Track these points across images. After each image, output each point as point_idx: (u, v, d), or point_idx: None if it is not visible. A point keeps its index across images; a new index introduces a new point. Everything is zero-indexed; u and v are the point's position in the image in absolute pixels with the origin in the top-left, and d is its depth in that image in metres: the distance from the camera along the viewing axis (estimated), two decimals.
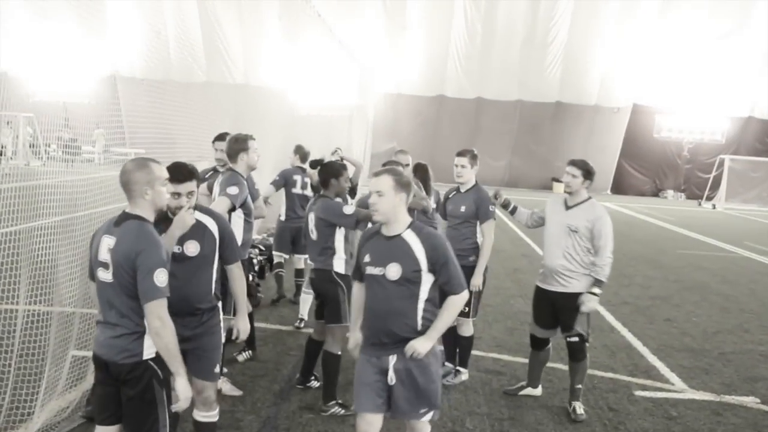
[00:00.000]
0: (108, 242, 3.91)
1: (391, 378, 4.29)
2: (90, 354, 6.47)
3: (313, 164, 6.74)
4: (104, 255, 3.90)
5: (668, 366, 8.20)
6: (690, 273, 14.83)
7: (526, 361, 7.97)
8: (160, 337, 3.82)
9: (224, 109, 14.98)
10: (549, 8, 35.94)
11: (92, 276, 4.08)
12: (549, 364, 7.89)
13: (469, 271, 6.78)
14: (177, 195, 4.49)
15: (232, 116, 14.53)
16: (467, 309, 6.96)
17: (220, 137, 7.51)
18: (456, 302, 4.36)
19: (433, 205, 7.50)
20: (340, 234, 6.35)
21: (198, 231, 4.60)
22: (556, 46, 36.77)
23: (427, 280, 4.31)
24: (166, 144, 9.76)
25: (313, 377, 6.71)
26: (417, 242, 4.27)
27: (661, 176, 40.13)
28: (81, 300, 6.21)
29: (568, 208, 6.42)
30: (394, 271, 4.25)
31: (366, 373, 4.36)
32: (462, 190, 7.15)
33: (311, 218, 6.42)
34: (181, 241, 4.52)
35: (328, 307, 6.34)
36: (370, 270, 4.35)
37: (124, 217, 3.98)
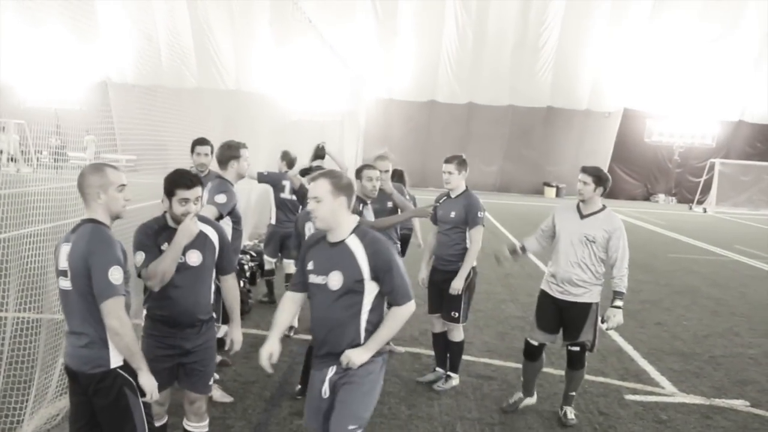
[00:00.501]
0: (65, 249, 3.85)
1: (325, 391, 4.07)
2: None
3: (303, 173, 6.73)
4: (63, 263, 3.85)
5: (659, 370, 8.22)
6: (681, 277, 14.87)
7: (518, 366, 7.99)
8: (119, 336, 3.75)
9: (215, 115, 14.98)
10: (539, 13, 36.03)
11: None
12: None
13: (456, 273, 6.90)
14: (185, 201, 4.44)
15: (223, 122, 14.52)
16: (457, 315, 7.00)
17: (202, 141, 7.58)
18: (400, 314, 4.02)
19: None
20: None
21: (199, 240, 4.55)
22: (546, 51, 36.87)
23: (370, 290, 3.99)
24: (157, 150, 9.76)
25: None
26: (360, 248, 3.96)
27: (652, 180, 40.26)
28: None
29: (583, 216, 6.29)
30: (335, 280, 3.97)
31: (312, 387, 4.20)
32: (452, 196, 7.12)
33: (309, 227, 6.31)
34: (184, 250, 4.47)
35: None
36: (313, 279, 4.08)
37: (81, 222, 3.94)
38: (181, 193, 4.40)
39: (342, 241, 4.00)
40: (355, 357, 3.96)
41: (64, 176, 7.46)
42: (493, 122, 38.44)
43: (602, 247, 6.18)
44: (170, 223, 4.54)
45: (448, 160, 7.16)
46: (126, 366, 3.86)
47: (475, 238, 6.95)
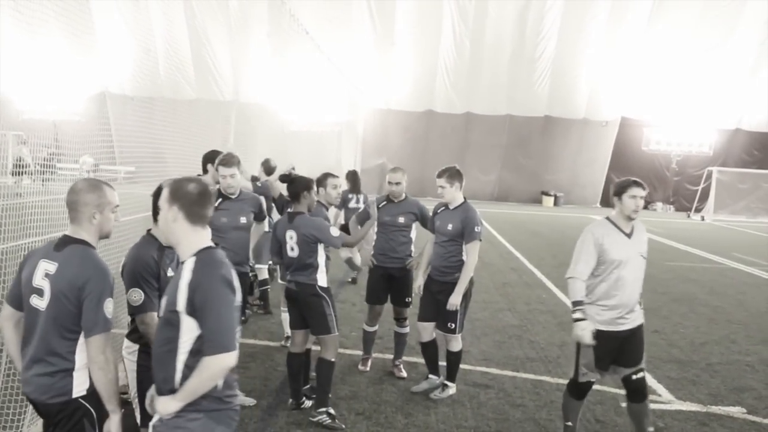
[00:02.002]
0: (46, 267, 3.63)
1: None
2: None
3: (283, 179, 6.77)
4: (40, 281, 3.62)
5: (655, 377, 8.21)
6: (678, 284, 14.88)
7: (515, 374, 8.04)
8: (104, 372, 3.57)
9: (214, 126, 15.05)
10: (536, 23, 36.12)
11: (11, 300, 3.80)
12: (536, 377, 7.98)
13: (453, 287, 6.89)
14: None
15: (221, 133, 14.59)
16: (453, 326, 7.00)
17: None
18: (206, 366, 3.18)
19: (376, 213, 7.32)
20: (322, 250, 6.45)
21: None
22: (544, 61, 36.94)
23: (189, 327, 3.24)
24: (156, 161, 9.81)
25: (304, 396, 6.72)
26: (188, 275, 3.26)
27: (650, 189, 40.19)
28: None
29: (629, 235, 5.68)
30: (162, 307, 3.43)
31: None
32: (451, 207, 7.10)
33: (291, 235, 6.42)
34: None
35: (315, 320, 6.44)
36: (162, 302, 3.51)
37: (67, 241, 3.71)
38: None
39: (182, 263, 3.37)
40: (160, 405, 3.32)
41: (53, 188, 7.51)
42: (490, 131, 38.47)
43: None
44: (163, 240, 4.35)
45: (439, 174, 7.13)
46: (88, 396, 3.68)
47: (471, 253, 6.93)
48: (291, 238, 6.42)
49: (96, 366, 3.57)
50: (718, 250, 21.09)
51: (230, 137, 14.97)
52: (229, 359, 3.19)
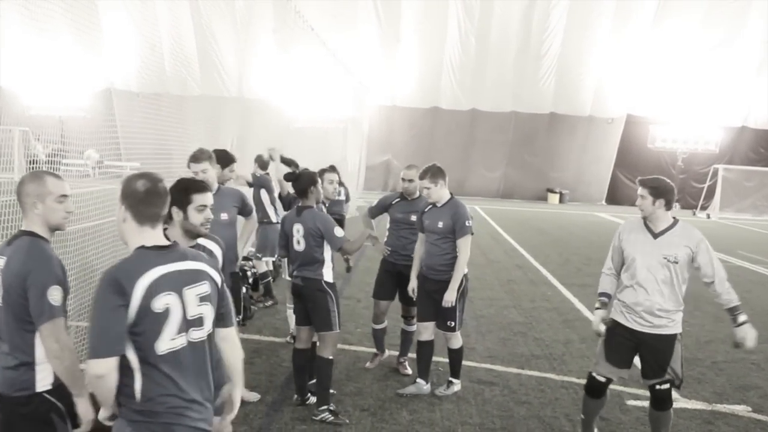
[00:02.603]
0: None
1: None
2: (83, 367, 6.51)
3: (288, 177, 6.76)
4: None
5: None
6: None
7: (519, 371, 8.04)
8: (59, 360, 3.51)
9: (219, 122, 15.05)
10: (542, 20, 36.09)
11: None
12: (540, 374, 7.97)
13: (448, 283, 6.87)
14: (203, 207, 4.13)
15: (227, 129, 14.59)
16: (453, 324, 6.97)
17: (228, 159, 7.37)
18: (87, 371, 3.11)
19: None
20: (327, 245, 6.45)
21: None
22: (549, 58, 36.92)
23: None
24: (162, 157, 9.82)
25: (309, 392, 6.72)
26: None
27: None
28: (76, 313, 6.25)
29: (656, 235, 5.53)
30: None
31: None
32: (438, 205, 7.05)
33: (298, 229, 6.45)
34: None
35: (318, 315, 6.45)
36: None
37: (17, 234, 3.70)
38: (199, 199, 4.08)
39: None
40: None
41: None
42: (496, 128, 38.46)
43: (686, 268, 5.50)
44: (176, 240, 4.11)
45: (421, 176, 7.08)
46: (55, 391, 3.63)
47: (463, 248, 6.91)
48: (298, 231, 6.45)
49: (51, 354, 3.52)
50: (724, 248, 21.01)
51: (234, 133, 15.00)
52: (94, 366, 2.95)
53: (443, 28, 36.15)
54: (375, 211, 7.99)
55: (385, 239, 7.94)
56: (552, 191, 38.88)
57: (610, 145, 38.99)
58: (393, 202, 7.85)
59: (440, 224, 6.93)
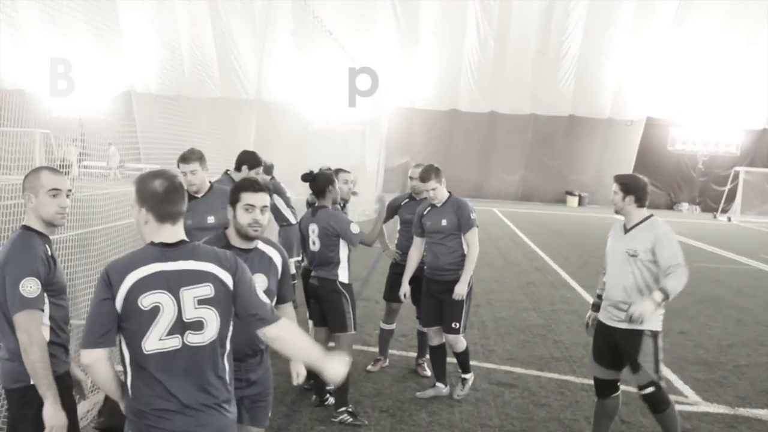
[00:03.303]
0: None
1: None
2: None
3: (305, 178, 6.77)
4: None
5: (682, 378, 8.15)
6: (704, 286, 14.73)
7: (539, 374, 8.01)
8: (26, 354, 3.45)
9: (237, 124, 15.12)
10: (561, 22, 35.99)
11: None
12: (560, 376, 7.93)
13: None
14: (251, 207, 3.98)
15: (245, 131, 14.66)
16: (458, 325, 6.85)
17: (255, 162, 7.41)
18: None
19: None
20: (344, 244, 6.44)
21: (264, 263, 4.12)
22: (568, 60, 36.80)
23: None
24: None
25: (328, 393, 6.73)
26: None
27: (675, 189, 39.96)
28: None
29: (626, 231, 5.64)
30: None
31: None
32: (438, 205, 6.96)
33: (314, 229, 6.46)
34: None
35: (333, 316, 6.46)
36: None
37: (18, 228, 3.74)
38: (246, 198, 3.96)
39: None
40: None
41: (92, 185, 7.58)
42: (514, 131, 38.38)
43: (648, 263, 5.46)
44: (233, 240, 4.08)
45: (425, 178, 6.94)
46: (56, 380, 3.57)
47: (472, 242, 6.86)
48: (313, 231, 6.47)
49: (21, 346, 3.48)
50: (746, 252, 20.87)
51: (253, 135, 15.05)
52: (82, 355, 2.98)
53: (462, 30, 36.13)
54: (385, 214, 7.96)
55: (396, 241, 7.93)
56: (571, 194, 38.72)
57: (630, 148, 38.77)
58: (402, 203, 7.84)
59: (444, 222, 6.86)
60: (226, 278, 3.15)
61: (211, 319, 3.11)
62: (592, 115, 38.21)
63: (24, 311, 3.47)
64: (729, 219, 33.97)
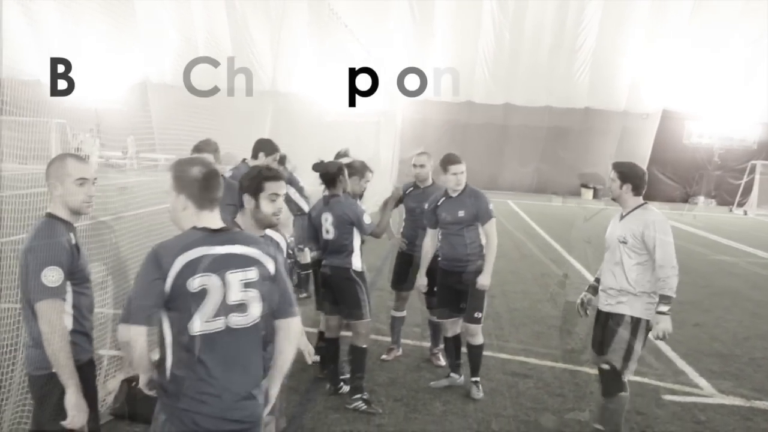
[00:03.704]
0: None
1: None
2: (121, 354, 6.57)
3: (315, 167, 6.77)
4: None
5: (697, 370, 8.11)
6: (720, 278, 14.66)
7: (553, 365, 8.01)
8: (48, 343, 3.45)
9: (253, 115, 15.12)
10: (577, 14, 35.76)
11: None
12: (575, 367, 7.90)
13: (476, 275, 6.72)
14: (276, 196, 3.96)
15: (261, 122, 14.65)
16: (480, 315, 6.77)
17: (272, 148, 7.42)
18: None
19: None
20: (357, 233, 6.44)
21: (273, 248, 3.83)
22: (584, 52, 36.57)
23: None
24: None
25: (342, 381, 6.73)
26: None
27: (691, 183, 39.68)
28: (113, 302, 6.31)
29: (621, 218, 5.80)
30: None
31: None
32: (453, 195, 6.88)
33: (327, 218, 6.45)
34: None
35: (347, 305, 6.45)
36: None
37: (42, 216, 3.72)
38: (272, 187, 3.91)
39: None
40: None
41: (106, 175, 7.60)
42: (529, 123, 38.21)
43: (638, 249, 5.58)
44: (247, 229, 3.87)
45: (457, 161, 6.85)
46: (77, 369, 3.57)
47: (491, 232, 6.79)
48: (326, 220, 6.45)
49: (42, 335, 3.48)
50: (762, 245, 20.72)
51: (268, 126, 15.04)
52: (121, 331, 3.01)
53: (477, 23, 35.97)
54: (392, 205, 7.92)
55: (401, 230, 7.90)
56: (586, 186, 38.52)
57: (645, 141, 38.51)
58: (407, 192, 7.78)
59: (461, 213, 6.77)
60: (269, 263, 3.24)
61: (255, 301, 3.18)
62: (607, 108, 37.99)
63: (45, 300, 3.46)
64: (745, 212, 33.75)
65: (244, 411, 3.16)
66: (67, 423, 3.52)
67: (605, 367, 5.72)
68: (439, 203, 6.95)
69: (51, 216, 3.66)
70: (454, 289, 6.88)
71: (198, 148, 6.64)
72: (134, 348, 2.99)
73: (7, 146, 6.83)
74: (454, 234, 6.84)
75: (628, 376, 5.69)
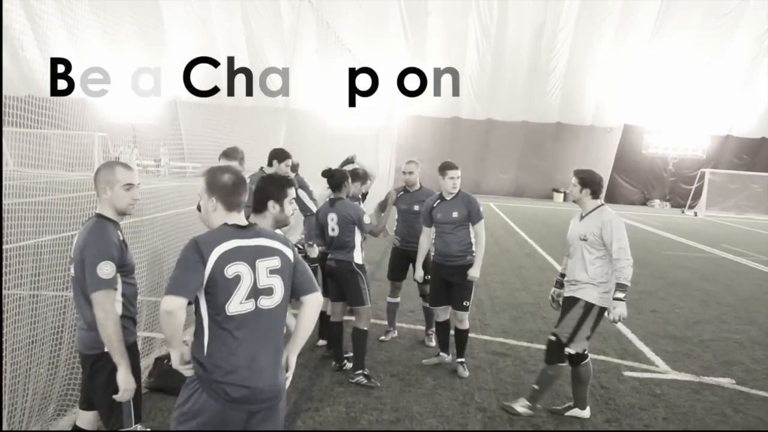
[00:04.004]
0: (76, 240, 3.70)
1: None
2: (153, 335, 6.57)
3: (324, 174, 6.80)
4: (72, 252, 3.68)
5: (653, 350, 8.13)
6: (674, 271, 14.67)
7: (529, 345, 8.02)
8: (103, 327, 3.49)
9: (270, 129, 15.13)
10: (550, 41, 35.77)
11: None
12: None
13: (466, 268, 6.72)
14: (293, 200, 3.90)
15: (276, 135, 14.66)
16: (467, 303, 6.78)
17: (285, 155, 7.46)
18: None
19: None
20: (358, 231, 6.49)
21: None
22: (556, 75, 36.61)
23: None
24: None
25: (345, 359, 6.74)
26: None
27: (648, 187, 39.74)
28: (147, 289, 6.33)
29: (581, 218, 5.80)
30: None
31: None
32: (447, 198, 6.85)
33: (332, 217, 6.48)
34: None
35: (351, 293, 6.48)
36: None
37: (92, 216, 3.74)
38: (291, 193, 3.86)
39: None
40: None
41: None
42: (508, 136, 38.26)
43: (597, 245, 5.58)
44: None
45: (454, 167, 6.85)
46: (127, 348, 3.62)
47: (481, 231, 6.79)
48: (332, 219, 6.48)
49: (98, 321, 3.51)
50: (710, 242, 20.74)
51: (284, 139, 15.03)
52: (166, 301, 3.01)
53: (463, 48, 35.95)
54: (383, 204, 7.93)
55: (395, 229, 7.91)
56: (557, 191, 38.54)
57: (609, 151, 38.56)
58: (398, 196, 7.77)
59: (455, 214, 6.75)
60: (289, 254, 3.33)
61: (279, 286, 3.25)
62: (576, 123, 38.02)
63: (100, 291, 3.50)
64: (695, 214, 33.79)
65: (269, 381, 3.20)
66: (118, 396, 3.58)
67: (552, 338, 5.77)
68: (434, 205, 6.91)
69: (101, 216, 3.69)
70: (445, 281, 6.86)
71: (226, 154, 6.70)
72: (176, 318, 3.01)
73: (57, 155, 6.84)
74: (447, 233, 6.82)
75: (574, 350, 5.66)
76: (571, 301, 5.72)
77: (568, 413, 5.93)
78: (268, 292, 3.22)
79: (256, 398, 3.16)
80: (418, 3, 35.32)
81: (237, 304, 3.13)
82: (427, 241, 7.11)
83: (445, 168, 6.86)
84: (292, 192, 3.90)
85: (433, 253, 7.12)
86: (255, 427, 3.19)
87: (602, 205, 5.80)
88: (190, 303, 3.09)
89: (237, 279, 3.13)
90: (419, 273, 7.17)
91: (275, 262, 3.25)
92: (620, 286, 5.48)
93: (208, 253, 3.10)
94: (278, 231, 4.11)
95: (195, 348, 3.15)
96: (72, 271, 3.67)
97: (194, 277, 3.06)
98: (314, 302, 3.39)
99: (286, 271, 3.29)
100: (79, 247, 3.58)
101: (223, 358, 3.11)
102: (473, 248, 6.83)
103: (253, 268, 3.18)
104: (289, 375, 3.37)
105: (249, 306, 3.16)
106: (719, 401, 6.54)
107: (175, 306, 3.00)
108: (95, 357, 3.64)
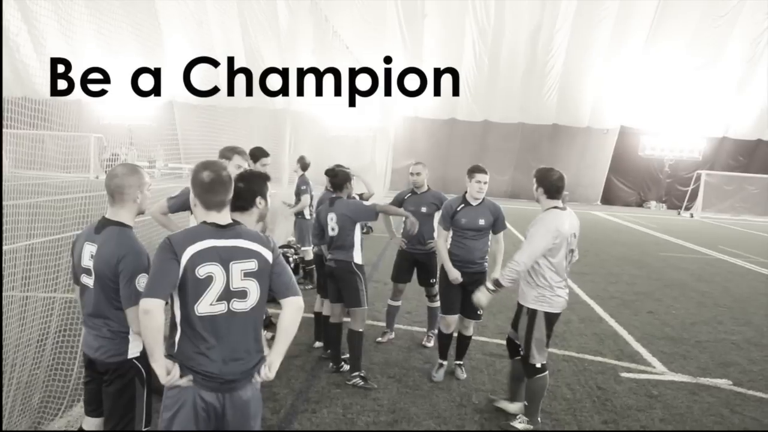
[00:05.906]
0: (90, 249, 3.59)
1: None
2: None
3: (328, 173, 6.80)
4: (87, 261, 3.60)
5: (650, 352, 8.12)
6: (670, 272, 14.68)
7: None
8: (143, 336, 3.33)
9: (267, 130, 15.10)
10: (546, 43, 35.79)
11: (76, 280, 3.76)
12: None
13: (483, 276, 6.57)
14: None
15: (276, 136, 14.64)
16: (481, 312, 6.64)
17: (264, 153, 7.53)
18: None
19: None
20: (358, 230, 6.46)
21: None
22: (552, 76, 36.61)
23: None
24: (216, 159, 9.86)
25: (342, 362, 6.72)
26: None
27: (645, 189, 39.76)
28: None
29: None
30: None
31: None
32: (473, 204, 6.66)
33: (332, 217, 6.45)
34: None
35: (349, 293, 6.44)
36: None
37: (105, 223, 3.62)
38: (270, 187, 3.89)
39: None
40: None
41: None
42: (505, 137, 38.24)
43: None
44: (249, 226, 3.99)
45: (483, 171, 6.69)
46: (141, 357, 3.61)
47: (501, 240, 6.74)
48: (332, 219, 6.46)
49: (135, 332, 3.52)
50: (706, 243, 20.76)
51: (287, 139, 15.01)
52: (143, 303, 3.00)
53: (460, 50, 35.95)
54: (398, 199, 7.90)
55: (402, 230, 7.88)
56: None
57: (605, 153, 38.58)
58: (405, 197, 7.73)
59: (482, 221, 6.58)
60: (269, 256, 3.27)
61: (254, 289, 3.22)
62: (572, 124, 38.02)
63: (136, 306, 3.40)
64: (692, 215, 33.82)
65: (240, 380, 3.23)
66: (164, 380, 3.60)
67: (517, 358, 5.66)
68: (458, 209, 6.63)
69: (122, 225, 3.63)
70: (463, 290, 6.59)
71: (238, 152, 6.61)
72: (154, 318, 2.99)
73: (52, 158, 6.81)
74: (470, 239, 6.61)
75: (539, 362, 5.46)
76: (519, 309, 5.66)
77: (496, 404, 5.97)
78: (242, 295, 3.18)
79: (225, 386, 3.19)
80: (414, 4, 35.34)
81: (207, 306, 3.11)
82: (444, 244, 6.77)
83: (474, 171, 6.69)
84: (269, 185, 3.92)
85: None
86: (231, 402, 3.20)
87: (554, 207, 5.55)
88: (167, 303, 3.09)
89: (209, 280, 3.11)
90: (456, 273, 6.58)
91: (251, 265, 3.20)
92: (496, 282, 5.50)
93: (181, 251, 3.08)
94: (261, 231, 4.12)
95: (167, 345, 3.16)
96: (88, 281, 3.62)
97: (170, 277, 3.05)
98: (293, 305, 3.32)
99: (263, 275, 3.24)
100: (108, 259, 3.51)
101: (192, 357, 3.14)
102: (486, 256, 6.74)
103: (227, 269, 3.15)
104: (271, 375, 3.33)
105: (221, 308, 3.14)
106: (716, 402, 6.54)
107: (153, 306, 2.99)
108: (117, 364, 3.65)
